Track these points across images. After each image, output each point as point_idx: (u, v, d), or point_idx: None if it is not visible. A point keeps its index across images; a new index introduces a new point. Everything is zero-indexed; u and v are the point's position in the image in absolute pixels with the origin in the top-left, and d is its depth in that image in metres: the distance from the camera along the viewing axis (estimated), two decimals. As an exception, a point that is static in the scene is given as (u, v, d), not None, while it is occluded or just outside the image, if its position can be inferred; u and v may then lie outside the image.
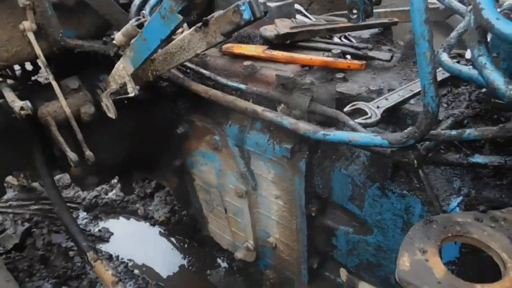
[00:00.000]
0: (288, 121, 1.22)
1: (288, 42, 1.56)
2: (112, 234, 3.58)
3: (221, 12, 0.97)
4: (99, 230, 3.57)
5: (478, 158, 1.02)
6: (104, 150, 1.89)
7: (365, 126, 1.17)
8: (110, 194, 3.97)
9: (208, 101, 1.60)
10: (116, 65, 1.51)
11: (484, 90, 1.19)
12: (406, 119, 1.27)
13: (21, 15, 1.59)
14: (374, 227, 1.39)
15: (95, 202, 3.86)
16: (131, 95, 1.44)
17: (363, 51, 1.49)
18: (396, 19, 1.66)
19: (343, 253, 1.57)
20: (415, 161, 0.97)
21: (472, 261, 0.97)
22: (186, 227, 3.39)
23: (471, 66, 1.13)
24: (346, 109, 1.24)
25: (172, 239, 3.42)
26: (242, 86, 1.45)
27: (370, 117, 1.18)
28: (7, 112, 2.10)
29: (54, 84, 1.65)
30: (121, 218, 3.77)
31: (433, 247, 0.75)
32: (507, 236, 0.76)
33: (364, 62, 1.39)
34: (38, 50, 1.61)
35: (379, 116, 1.18)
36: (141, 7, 1.74)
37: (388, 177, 1.26)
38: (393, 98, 1.26)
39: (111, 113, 1.66)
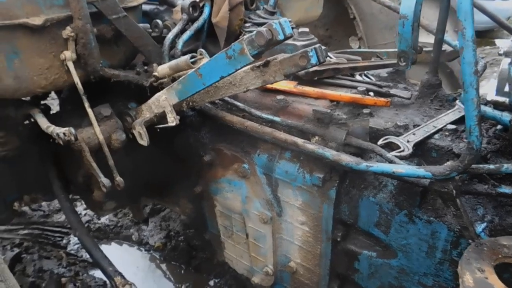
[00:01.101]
0: (330, 153, 1.33)
1: (316, 78, 1.70)
2: (105, 261, 3.51)
3: (285, 55, 1.09)
4: (91, 258, 3.50)
5: (505, 189, 1.16)
6: (126, 175, 1.94)
7: (399, 158, 1.30)
8: (103, 219, 3.92)
9: (233, 131, 1.70)
10: (156, 96, 1.59)
11: (499, 127, 1.36)
12: (431, 152, 1.41)
13: (63, 45, 1.66)
14: (398, 251, 1.51)
15: (87, 228, 3.80)
16: (172, 124, 1.53)
17: (385, 89, 1.64)
18: (408, 60, 1.83)
19: (365, 276, 1.66)
20: (454, 191, 1.10)
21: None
22: (182, 253, 3.39)
23: (492, 107, 1.29)
24: (379, 142, 1.37)
25: (168, 265, 3.40)
26: (277, 119, 1.56)
27: (403, 151, 1.31)
28: (24, 138, 2.14)
29: (90, 112, 1.71)
30: (113, 244, 3.73)
31: (489, 267, 0.87)
32: (548, 257, 0.88)
33: (389, 99, 1.54)
34: (76, 79, 1.68)
35: (411, 150, 1.31)
36: (173, 40, 1.85)
37: (416, 204, 1.38)
38: (420, 133, 1.40)
39: (144, 141, 1.73)
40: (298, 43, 1.81)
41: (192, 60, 1.35)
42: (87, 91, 1.76)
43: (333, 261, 1.73)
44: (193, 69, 1.30)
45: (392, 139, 1.36)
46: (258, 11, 1.97)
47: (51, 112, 2.18)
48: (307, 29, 1.83)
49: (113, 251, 3.64)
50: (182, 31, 1.85)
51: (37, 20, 1.54)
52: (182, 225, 3.63)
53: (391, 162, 1.26)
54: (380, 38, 2.89)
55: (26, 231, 3.79)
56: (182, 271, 3.37)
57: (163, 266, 3.46)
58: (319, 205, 1.61)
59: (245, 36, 1.08)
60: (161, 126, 1.56)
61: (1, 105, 1.88)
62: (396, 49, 2.03)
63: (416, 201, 1.38)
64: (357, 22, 2.97)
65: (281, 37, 1.03)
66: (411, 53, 1.32)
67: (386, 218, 1.48)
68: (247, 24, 1.90)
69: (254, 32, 1.03)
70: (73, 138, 1.53)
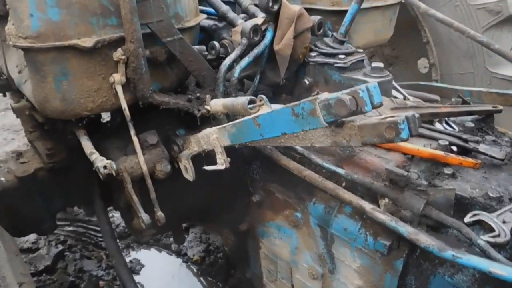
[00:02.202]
0: (405, 229, 1.11)
1: (388, 124, 1.46)
2: (143, 266, 3.50)
3: (366, 120, 0.88)
4: (131, 261, 3.48)
5: None
6: (168, 206, 1.81)
7: (493, 246, 1.05)
8: (145, 224, 3.87)
9: (287, 171, 1.51)
10: (207, 132, 1.43)
11: None
12: (532, 236, 1.14)
13: (113, 67, 1.55)
14: None
15: (128, 231, 3.77)
16: (221, 167, 1.36)
17: (472, 145, 1.38)
18: (500, 107, 1.55)
19: None
20: None
21: None
22: (220, 270, 3.27)
23: None
24: (467, 219, 1.13)
25: (204, 280, 3.30)
26: (341, 171, 1.35)
27: (498, 235, 1.06)
28: (71, 150, 2.08)
29: (135, 140, 1.59)
30: (153, 250, 3.69)
31: None
32: None
33: (479, 161, 1.28)
34: (124, 104, 1.56)
35: (509, 236, 1.06)
36: (231, 67, 1.69)
37: (507, 299, 1.13)
38: (519, 212, 1.14)
39: (189, 176, 1.59)
40: (370, 80, 1.58)
41: (251, 106, 1.17)
42: (135, 112, 1.64)
43: (389, 334, 1.50)
44: (251, 117, 1.13)
45: (484, 217, 1.12)
46: (325, 39, 1.75)
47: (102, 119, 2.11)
48: (381, 64, 1.60)
49: (151, 257, 3.60)
50: (241, 56, 1.68)
51: (88, 42, 1.44)
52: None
53: (484, 251, 1.02)
54: (457, 66, 2.57)
55: (71, 228, 3.82)
56: (219, 289, 3.25)
57: (199, 280, 3.36)
58: (381, 273, 1.38)
59: (320, 96, 0.88)
60: (209, 168, 1.40)
61: (50, 119, 1.81)
62: (482, 89, 1.76)
63: (508, 295, 1.13)
64: (430, 46, 2.66)
65: (368, 108, 0.82)
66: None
67: (465, 305, 1.24)
68: (312, 54, 1.70)
69: (334, 96, 0.83)
70: (113, 173, 1.41)
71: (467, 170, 1.36)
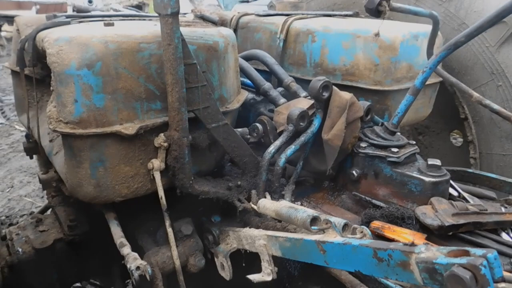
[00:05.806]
0: None
1: (451, 233, 1.34)
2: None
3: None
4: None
5: None
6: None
7: None
8: None
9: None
10: (251, 233, 1.31)
11: None
12: None
13: (152, 152, 1.45)
14: None
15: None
16: (268, 278, 1.22)
17: (548, 267, 1.23)
18: None
19: None
20: None
21: None
22: None
23: None
24: None
25: None
26: (400, 289, 1.20)
27: None
28: (94, 223, 1.95)
29: (170, 232, 1.47)
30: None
31: None
32: None
33: (562, 292, 1.13)
34: (161, 192, 1.45)
35: None
36: (275, 153, 1.59)
37: None
38: None
39: (226, 274, 1.45)
40: (426, 179, 1.47)
41: (315, 228, 1.05)
42: (169, 195, 1.53)
43: None
44: (314, 239, 1.00)
45: None
46: (376, 128, 1.66)
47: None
48: (438, 162, 1.49)
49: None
50: (286, 143, 1.58)
51: (130, 129, 1.35)
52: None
53: None
54: (498, 147, 2.46)
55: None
56: None
57: None
58: None
59: (418, 252, 0.75)
60: (252, 277, 1.26)
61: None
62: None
63: None
64: (468, 123, 2.56)
65: None
66: None
67: None
68: (362, 144, 1.60)
69: (442, 261, 0.70)
70: (148, 276, 1.28)
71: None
